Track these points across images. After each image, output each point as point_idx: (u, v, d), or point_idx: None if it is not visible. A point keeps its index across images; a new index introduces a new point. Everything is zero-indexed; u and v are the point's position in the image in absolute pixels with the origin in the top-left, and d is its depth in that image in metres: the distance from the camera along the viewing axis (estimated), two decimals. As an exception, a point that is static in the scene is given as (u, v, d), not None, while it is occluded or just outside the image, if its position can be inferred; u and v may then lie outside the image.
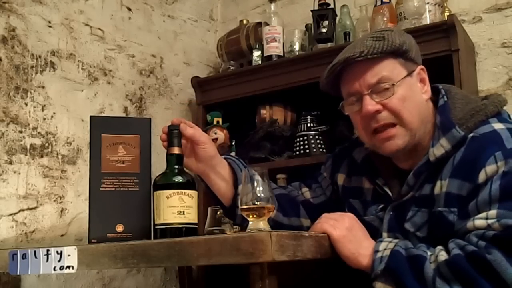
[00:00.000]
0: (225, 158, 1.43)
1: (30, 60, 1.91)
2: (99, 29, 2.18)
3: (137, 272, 2.19)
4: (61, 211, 1.94)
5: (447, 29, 1.87)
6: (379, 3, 2.15)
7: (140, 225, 1.34)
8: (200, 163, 1.37)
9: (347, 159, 1.48)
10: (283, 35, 2.37)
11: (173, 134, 1.30)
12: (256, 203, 1.16)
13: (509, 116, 1.28)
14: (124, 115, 2.22)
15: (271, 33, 2.34)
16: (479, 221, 1.10)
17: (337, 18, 2.28)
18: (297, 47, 2.32)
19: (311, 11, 2.27)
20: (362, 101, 1.25)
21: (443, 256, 1.08)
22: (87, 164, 1.41)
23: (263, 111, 2.36)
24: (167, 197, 1.24)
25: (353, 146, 1.47)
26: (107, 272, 2.06)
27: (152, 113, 2.35)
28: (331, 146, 2.16)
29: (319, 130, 2.23)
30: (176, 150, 1.29)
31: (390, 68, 1.25)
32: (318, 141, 2.22)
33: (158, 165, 1.38)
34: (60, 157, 1.96)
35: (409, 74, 1.26)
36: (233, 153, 2.37)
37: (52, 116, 1.95)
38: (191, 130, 1.32)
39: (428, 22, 2.03)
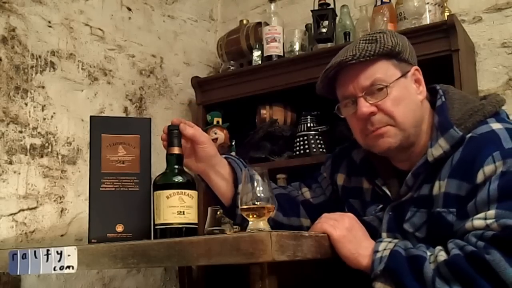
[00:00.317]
0: (225, 158, 1.43)
1: (30, 60, 1.91)
2: (99, 29, 2.18)
3: (137, 272, 2.19)
4: (61, 211, 1.94)
5: (447, 29, 1.87)
6: (379, 3, 2.15)
7: (140, 225, 1.34)
8: (200, 163, 1.37)
9: (347, 159, 1.48)
10: (283, 35, 2.37)
11: (173, 134, 1.30)
12: (256, 203, 1.16)
13: (507, 116, 1.28)
14: (124, 115, 2.22)
15: (271, 33, 2.34)
16: (477, 222, 1.10)
17: (337, 18, 2.28)
18: (297, 47, 2.32)
19: (311, 11, 2.26)
20: (357, 103, 1.26)
21: (442, 256, 1.08)
22: (87, 164, 1.42)
23: (263, 111, 2.36)
24: (167, 197, 1.24)
25: (352, 146, 1.47)
26: (107, 272, 2.06)
27: (152, 113, 2.35)
28: (331, 146, 2.16)
29: (319, 130, 2.23)
30: (176, 150, 1.29)
31: (383, 70, 1.25)
32: (318, 141, 2.22)
33: (158, 165, 1.38)
34: (60, 157, 1.96)
35: (403, 75, 1.27)
36: (233, 153, 2.37)
37: (52, 116, 1.95)
38: (192, 130, 1.32)
39: (428, 22, 2.03)
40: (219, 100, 2.42)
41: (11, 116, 1.83)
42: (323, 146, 2.21)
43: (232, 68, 2.46)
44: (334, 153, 1.56)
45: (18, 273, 1.32)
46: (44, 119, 1.93)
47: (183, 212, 1.24)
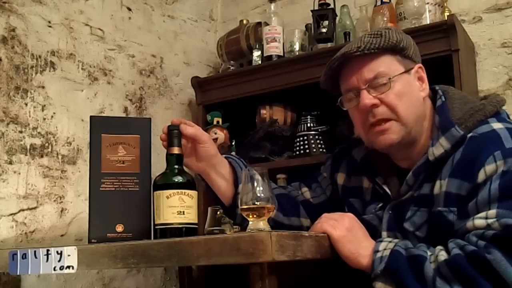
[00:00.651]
0: (225, 157, 1.43)
1: (30, 60, 1.91)
2: (99, 29, 2.18)
3: (137, 272, 2.19)
4: (61, 211, 1.94)
5: (447, 29, 1.87)
6: (379, 3, 2.15)
7: (140, 225, 1.34)
8: (201, 162, 1.37)
9: (347, 158, 1.48)
10: (283, 35, 2.37)
11: (173, 134, 1.30)
12: (256, 203, 1.16)
13: (507, 116, 1.28)
14: (124, 115, 2.22)
15: (271, 33, 2.34)
16: (478, 221, 1.10)
17: (337, 18, 2.28)
18: (297, 47, 2.32)
19: (311, 11, 2.27)
20: (360, 95, 1.26)
21: (443, 256, 1.08)
22: (87, 164, 1.41)
23: (263, 111, 2.36)
24: (167, 197, 1.24)
25: (353, 145, 1.47)
26: (107, 272, 2.06)
27: (152, 113, 2.35)
28: (331, 146, 2.16)
29: (319, 130, 2.23)
30: (176, 150, 1.29)
31: (387, 64, 1.26)
32: (318, 141, 2.22)
33: (158, 165, 1.38)
34: (60, 157, 1.96)
35: (407, 71, 1.28)
36: (233, 153, 2.37)
37: (52, 116, 1.95)
38: (192, 129, 1.33)
39: (428, 22, 2.03)
40: (219, 100, 2.42)
41: (11, 116, 1.83)
42: (323, 146, 2.21)
43: (232, 68, 2.46)
44: (334, 153, 1.56)
45: (18, 273, 1.32)
46: (44, 119, 1.93)
47: (183, 212, 1.24)
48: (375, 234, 1.27)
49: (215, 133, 2.38)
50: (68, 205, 1.96)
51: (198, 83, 2.46)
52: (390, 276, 1.10)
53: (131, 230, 1.34)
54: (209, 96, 2.45)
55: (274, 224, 1.35)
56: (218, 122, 2.43)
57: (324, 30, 2.22)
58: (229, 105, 2.41)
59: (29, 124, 1.88)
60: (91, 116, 1.42)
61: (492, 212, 1.09)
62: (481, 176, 1.14)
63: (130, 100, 2.28)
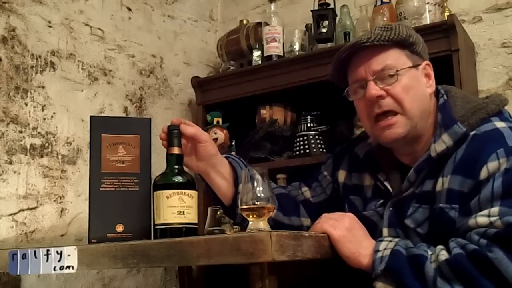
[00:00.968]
0: (225, 157, 1.43)
1: (30, 60, 1.91)
2: (99, 29, 2.18)
3: (137, 272, 2.19)
4: (61, 211, 1.94)
5: (447, 29, 1.87)
6: (379, 3, 2.15)
7: (140, 225, 1.34)
8: (201, 162, 1.37)
9: (348, 156, 1.48)
10: (283, 35, 2.37)
11: (173, 134, 1.30)
12: (256, 203, 1.16)
13: (510, 115, 1.28)
14: (124, 115, 2.22)
15: (271, 33, 2.34)
16: (481, 219, 1.10)
17: (337, 18, 2.28)
18: (297, 47, 2.32)
19: (311, 11, 2.26)
20: (367, 86, 1.27)
21: (443, 255, 1.08)
22: (87, 164, 1.41)
23: (263, 111, 2.35)
24: (167, 197, 1.24)
25: (355, 143, 1.48)
26: (107, 272, 2.06)
27: (152, 113, 2.35)
28: (331, 146, 2.16)
29: (319, 130, 2.23)
30: (176, 150, 1.29)
31: (395, 57, 1.27)
32: (318, 141, 2.22)
33: (158, 165, 1.38)
34: (60, 157, 1.96)
35: (415, 66, 1.29)
36: (233, 153, 2.37)
37: (52, 116, 1.95)
38: (192, 129, 1.33)
39: (428, 22, 2.03)
40: (219, 100, 2.42)
41: (11, 116, 1.83)
42: (323, 146, 2.21)
43: (232, 68, 2.46)
44: (335, 152, 1.56)
45: (18, 273, 1.32)
46: (44, 119, 1.93)
47: (183, 212, 1.24)
48: (375, 230, 1.27)
49: (215, 133, 2.38)
50: (68, 205, 1.96)
51: (198, 83, 2.46)
52: (391, 276, 1.10)
53: (131, 230, 1.34)
54: (209, 96, 2.45)
55: (274, 224, 1.35)
56: (218, 122, 2.43)
57: (324, 30, 2.22)
58: (229, 105, 2.41)
59: (29, 124, 1.88)
60: (91, 116, 1.42)
61: (495, 210, 1.09)
62: (483, 174, 1.14)
63: (130, 100, 2.28)
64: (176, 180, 1.27)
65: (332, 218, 1.20)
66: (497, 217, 1.07)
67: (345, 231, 1.17)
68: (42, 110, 1.93)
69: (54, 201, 1.92)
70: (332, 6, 2.26)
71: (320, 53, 2.17)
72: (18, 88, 1.86)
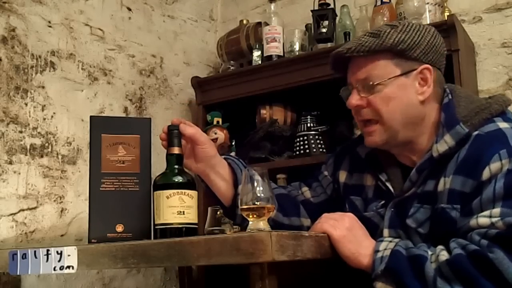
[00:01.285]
0: (225, 158, 1.42)
1: (30, 60, 1.91)
2: (99, 29, 2.18)
3: (137, 272, 2.19)
4: (61, 211, 1.94)
5: (447, 29, 1.87)
6: (379, 3, 2.15)
7: (140, 225, 1.34)
8: (200, 163, 1.37)
9: (349, 156, 1.48)
10: (283, 35, 2.37)
11: (173, 134, 1.30)
12: (256, 203, 1.16)
13: None
14: (124, 115, 2.22)
15: (271, 33, 2.34)
16: (482, 219, 1.10)
17: (337, 18, 2.28)
18: (297, 47, 2.32)
19: (311, 11, 2.26)
20: (351, 92, 1.30)
21: (444, 256, 1.08)
22: (87, 164, 1.41)
23: (263, 111, 2.35)
24: (167, 197, 1.24)
25: (357, 142, 1.47)
26: (107, 272, 2.06)
27: (152, 113, 2.35)
28: (331, 146, 2.16)
29: (319, 130, 2.23)
30: (176, 150, 1.29)
31: (381, 67, 1.26)
32: (318, 141, 2.22)
33: (158, 165, 1.38)
34: (60, 157, 1.96)
35: (404, 73, 1.26)
36: (233, 153, 2.37)
37: (52, 116, 1.95)
38: (192, 129, 1.32)
39: (428, 22, 2.03)
40: (219, 100, 2.42)
41: (11, 116, 1.83)
42: (323, 146, 2.21)
43: (232, 68, 2.46)
44: (336, 151, 1.56)
45: (18, 273, 1.31)
46: (44, 119, 1.93)
47: (183, 212, 1.24)
48: (376, 231, 1.27)
49: (215, 133, 2.38)
50: (68, 205, 1.96)
51: (198, 83, 2.46)
52: (391, 276, 1.10)
53: (131, 230, 1.34)
54: (209, 96, 2.45)
55: (274, 225, 1.35)
56: (218, 122, 2.43)
57: (324, 30, 2.22)
58: (229, 105, 2.41)
59: (29, 124, 1.88)
60: (91, 116, 1.42)
61: (496, 210, 1.09)
62: (486, 174, 1.14)
63: (130, 100, 2.28)
64: (176, 180, 1.27)
65: (332, 218, 1.20)
66: (499, 218, 1.07)
67: (345, 231, 1.17)
68: (42, 110, 1.93)
69: (54, 201, 1.92)
70: (332, 6, 2.26)
71: (320, 53, 2.17)
72: (18, 88, 1.86)
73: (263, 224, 1.16)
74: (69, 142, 2.00)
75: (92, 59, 2.13)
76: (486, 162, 1.15)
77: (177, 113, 2.50)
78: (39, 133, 1.90)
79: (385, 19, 2.07)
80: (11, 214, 1.79)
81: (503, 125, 1.21)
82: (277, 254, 0.96)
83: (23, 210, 1.82)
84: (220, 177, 1.39)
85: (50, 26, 1.99)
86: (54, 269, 1.22)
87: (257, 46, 2.39)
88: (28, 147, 1.87)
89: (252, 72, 2.34)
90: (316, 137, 2.22)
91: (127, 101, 2.26)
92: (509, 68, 2.08)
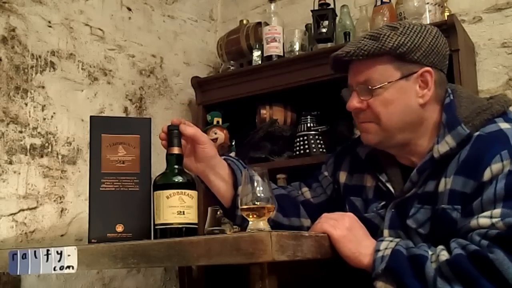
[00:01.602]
0: (224, 159, 1.42)
1: (30, 60, 1.91)
2: (99, 29, 2.18)
3: (137, 272, 2.19)
4: (61, 211, 1.94)
5: (447, 29, 1.87)
6: (379, 3, 2.15)
7: (140, 225, 1.34)
8: (200, 164, 1.37)
9: (349, 156, 1.48)
10: (283, 35, 2.37)
11: (173, 134, 1.30)
12: (256, 203, 1.16)
13: None
14: (124, 115, 2.22)
15: (271, 33, 2.34)
16: (483, 220, 1.10)
17: (337, 18, 2.28)
18: (297, 47, 2.32)
19: (311, 11, 2.26)
20: (351, 95, 1.30)
21: (444, 256, 1.08)
22: (87, 164, 1.41)
23: (263, 111, 2.35)
24: (167, 197, 1.24)
25: (357, 143, 1.47)
26: (107, 272, 2.06)
27: (152, 113, 2.35)
28: (331, 146, 2.16)
29: (319, 130, 2.23)
30: (176, 150, 1.29)
31: (380, 70, 1.25)
32: (318, 141, 2.21)
33: (158, 165, 1.38)
34: (60, 157, 1.96)
35: (404, 77, 1.25)
36: (233, 153, 2.37)
37: (52, 116, 1.95)
38: (192, 129, 1.32)
39: (428, 22, 2.03)
40: (219, 100, 2.42)
41: (11, 116, 1.83)
42: (323, 146, 2.21)
43: (232, 68, 2.46)
44: (336, 152, 1.56)
45: (18, 273, 1.31)
46: (44, 119, 1.93)
47: (183, 212, 1.24)
48: (376, 232, 1.27)
49: (215, 133, 2.38)
50: (68, 205, 1.96)
51: (198, 83, 2.46)
52: (391, 276, 1.10)
53: (131, 230, 1.34)
54: (209, 96, 2.45)
55: (274, 225, 1.34)
56: (218, 122, 2.43)
57: (324, 30, 2.22)
58: (229, 105, 2.41)
59: (29, 124, 1.88)
60: (91, 116, 1.42)
61: (497, 211, 1.09)
62: (487, 175, 1.14)
63: (130, 100, 2.28)
64: (176, 180, 1.27)
65: (332, 218, 1.20)
66: (499, 219, 1.07)
67: (346, 230, 1.17)
68: (42, 110, 1.93)
69: (54, 201, 1.92)
70: (332, 6, 2.26)
71: (320, 53, 2.17)
72: (18, 88, 1.86)
73: (263, 224, 1.16)
74: (69, 142, 2.00)
75: (92, 59, 2.13)
76: (487, 163, 1.14)
77: (177, 113, 2.50)
78: (39, 133, 1.90)
79: (385, 19, 2.07)
80: (11, 214, 1.79)
81: (504, 125, 1.21)
82: (277, 254, 0.95)
83: (23, 210, 1.82)
84: (219, 178, 1.39)
85: (50, 26, 1.99)
86: (54, 269, 1.22)
87: (257, 46, 2.39)
88: (28, 147, 1.87)
89: (252, 72, 2.34)
90: (316, 137, 2.22)
91: (127, 101, 2.26)
92: (509, 68, 2.08)
